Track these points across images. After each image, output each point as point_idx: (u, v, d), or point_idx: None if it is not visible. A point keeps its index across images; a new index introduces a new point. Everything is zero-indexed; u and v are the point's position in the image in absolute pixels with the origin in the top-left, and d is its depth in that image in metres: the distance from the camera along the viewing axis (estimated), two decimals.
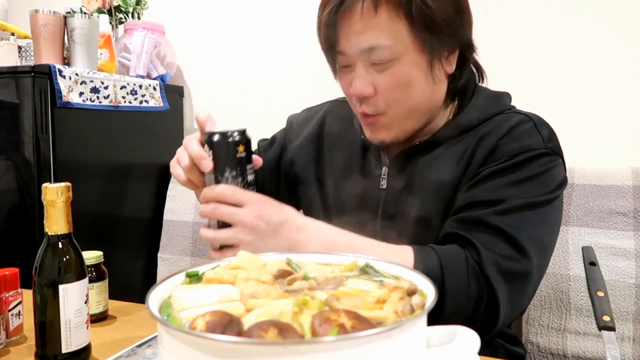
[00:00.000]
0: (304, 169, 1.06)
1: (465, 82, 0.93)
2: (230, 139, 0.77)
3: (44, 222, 0.70)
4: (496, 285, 0.76)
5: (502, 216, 0.79)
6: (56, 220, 0.69)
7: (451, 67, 0.89)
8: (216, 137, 0.77)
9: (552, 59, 1.53)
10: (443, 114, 0.95)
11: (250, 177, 0.78)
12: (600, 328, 0.61)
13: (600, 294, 0.64)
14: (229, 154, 0.77)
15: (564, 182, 0.87)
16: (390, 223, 0.93)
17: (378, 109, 0.87)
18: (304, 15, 1.84)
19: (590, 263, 0.68)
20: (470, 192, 0.84)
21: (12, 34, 1.64)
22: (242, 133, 0.78)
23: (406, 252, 0.79)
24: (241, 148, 0.77)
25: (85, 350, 0.73)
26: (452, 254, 0.78)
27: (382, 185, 0.95)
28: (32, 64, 1.55)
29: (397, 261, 0.73)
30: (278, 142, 1.13)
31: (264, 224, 0.75)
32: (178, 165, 0.83)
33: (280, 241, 0.75)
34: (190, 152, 0.80)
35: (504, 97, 0.97)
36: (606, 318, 0.61)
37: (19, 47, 1.61)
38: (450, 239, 0.81)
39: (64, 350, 0.70)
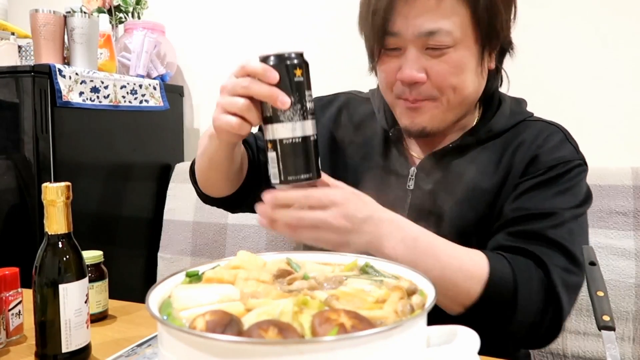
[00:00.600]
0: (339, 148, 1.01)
1: (497, 83, 0.92)
2: (288, 62, 0.69)
3: (44, 221, 0.70)
4: (562, 298, 0.76)
5: (557, 229, 0.80)
6: (56, 220, 0.69)
7: (493, 63, 0.88)
8: (272, 60, 0.69)
9: (551, 59, 1.53)
10: (473, 114, 0.94)
11: (309, 105, 0.69)
12: (600, 328, 0.61)
13: (600, 293, 0.64)
14: (287, 78, 0.68)
15: (590, 192, 0.89)
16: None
17: (430, 94, 0.84)
18: (304, 15, 1.84)
19: (590, 263, 0.68)
20: (517, 203, 0.83)
21: (12, 34, 1.64)
22: (300, 55, 0.70)
23: (480, 256, 0.77)
24: (299, 71, 0.69)
25: (85, 349, 0.73)
26: (522, 264, 0.77)
27: (409, 186, 0.92)
28: (32, 63, 1.55)
29: (471, 264, 0.76)
30: None
31: (350, 224, 0.71)
32: (225, 114, 0.72)
33: (362, 236, 0.72)
34: (252, 69, 0.69)
35: (523, 103, 0.98)
36: (606, 318, 0.61)
37: (19, 47, 1.61)
38: (510, 252, 0.80)
39: (64, 350, 0.70)
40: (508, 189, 0.86)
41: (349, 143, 1.00)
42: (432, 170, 0.91)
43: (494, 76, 0.91)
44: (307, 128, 0.68)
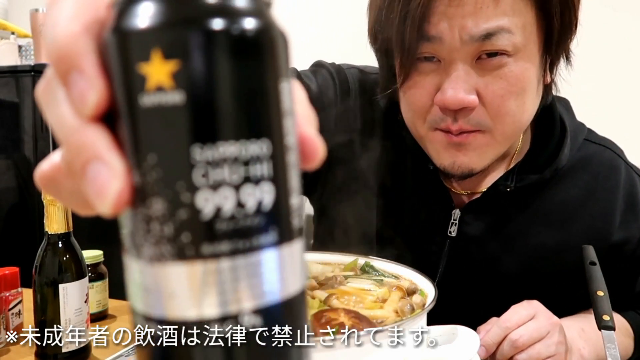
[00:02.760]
0: (347, 172, 0.77)
1: (549, 99, 0.73)
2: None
3: (44, 221, 0.70)
4: None
5: None
6: (56, 220, 0.69)
7: (549, 76, 0.68)
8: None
9: None
10: (516, 144, 0.74)
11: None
12: (600, 328, 0.61)
13: (601, 293, 0.64)
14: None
15: None
16: (456, 285, 0.73)
17: (482, 123, 0.62)
18: (303, 15, 1.83)
19: (591, 263, 0.68)
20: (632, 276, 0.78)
21: (13, 33, 1.64)
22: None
23: (625, 327, 0.76)
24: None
25: (85, 349, 0.73)
26: None
27: (450, 232, 0.73)
28: (32, 63, 1.55)
29: (628, 342, 0.75)
30: (327, 99, 0.77)
31: (562, 347, 0.64)
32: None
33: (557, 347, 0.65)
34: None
35: (571, 108, 0.80)
36: (606, 318, 0.61)
37: (19, 47, 1.61)
38: None
39: (64, 350, 0.70)
40: (605, 260, 0.71)
41: (370, 159, 0.76)
42: (483, 217, 0.73)
43: (547, 91, 0.71)
44: (179, 292, 0.18)
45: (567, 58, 0.68)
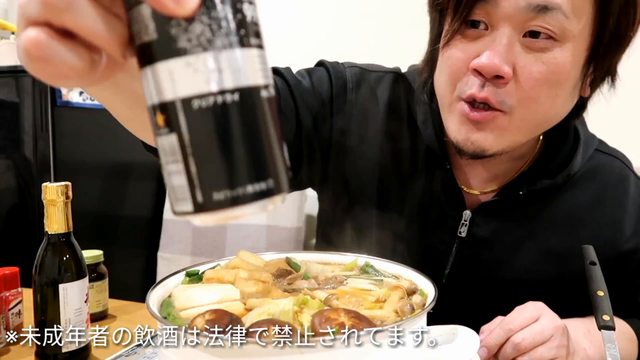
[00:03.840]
0: (364, 172, 0.77)
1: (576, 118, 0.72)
2: None
3: (44, 221, 0.70)
4: None
5: None
6: (56, 220, 0.69)
7: (586, 91, 0.67)
8: None
9: None
10: (533, 147, 0.74)
11: (250, 13, 0.28)
12: (600, 327, 0.61)
13: (601, 293, 0.64)
14: None
15: None
16: (462, 285, 0.74)
17: (506, 102, 0.61)
18: (305, 16, 1.84)
19: (591, 262, 0.68)
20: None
21: (12, 33, 1.64)
22: None
23: (630, 333, 0.76)
24: None
25: (85, 349, 0.73)
26: None
27: (460, 232, 0.73)
28: None
29: (632, 346, 0.75)
30: (321, 95, 0.77)
31: (564, 350, 0.64)
32: (30, 29, 0.30)
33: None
34: None
35: (583, 118, 0.79)
36: (606, 317, 0.61)
37: None
38: None
39: (63, 350, 0.70)
40: (612, 266, 0.71)
41: (387, 152, 0.76)
42: (494, 219, 0.73)
43: (582, 105, 0.70)
44: (249, 68, 0.27)
45: (612, 78, 0.67)
